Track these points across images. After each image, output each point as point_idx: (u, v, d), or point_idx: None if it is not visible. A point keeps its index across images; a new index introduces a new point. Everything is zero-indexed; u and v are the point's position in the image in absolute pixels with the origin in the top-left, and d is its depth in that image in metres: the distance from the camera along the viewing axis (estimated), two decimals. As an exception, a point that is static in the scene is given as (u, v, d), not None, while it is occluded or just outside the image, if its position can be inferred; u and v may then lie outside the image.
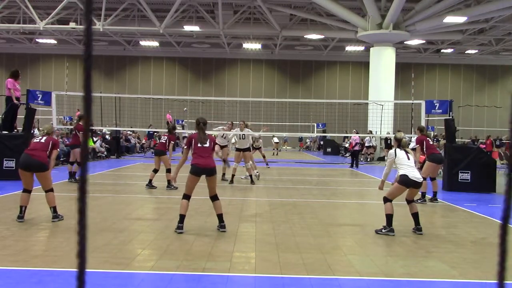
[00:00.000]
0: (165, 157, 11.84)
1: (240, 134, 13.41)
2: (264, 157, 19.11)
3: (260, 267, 5.10)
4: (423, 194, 10.53)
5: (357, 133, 22.77)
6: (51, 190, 7.48)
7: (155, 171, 11.80)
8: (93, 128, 22.19)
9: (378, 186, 7.78)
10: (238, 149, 13.28)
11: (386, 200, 7.16)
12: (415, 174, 7.08)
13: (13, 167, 12.34)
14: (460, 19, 24.10)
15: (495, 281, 1.01)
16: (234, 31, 29.98)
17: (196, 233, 6.71)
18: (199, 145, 6.96)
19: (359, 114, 30.02)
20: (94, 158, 21.29)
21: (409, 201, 7.31)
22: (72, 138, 14.32)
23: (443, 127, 16.02)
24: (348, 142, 27.22)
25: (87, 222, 0.96)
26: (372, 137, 24.30)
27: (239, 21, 29.07)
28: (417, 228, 7.21)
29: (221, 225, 6.96)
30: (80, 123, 13.16)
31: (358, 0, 24.66)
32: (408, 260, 5.60)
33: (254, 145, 16.38)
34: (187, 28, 28.40)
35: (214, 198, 7.00)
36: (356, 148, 21.30)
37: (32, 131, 14.17)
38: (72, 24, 27.63)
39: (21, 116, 14.19)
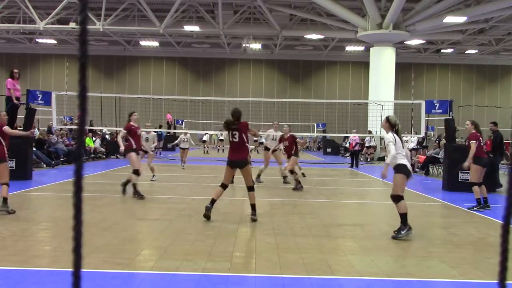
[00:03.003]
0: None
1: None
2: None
3: (260, 267, 5.10)
4: (480, 200, 9.52)
5: (356, 133, 22.79)
6: (6, 184, 7.80)
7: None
8: (93, 128, 22.22)
9: (382, 172, 7.00)
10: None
11: (397, 198, 6.63)
12: (409, 165, 6.92)
13: (13, 167, 12.35)
14: (460, 19, 24.10)
15: (495, 281, 1.01)
16: (234, 31, 29.97)
17: (196, 233, 6.71)
18: (230, 139, 7.75)
19: (359, 114, 30.01)
20: (95, 158, 21.29)
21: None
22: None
23: (443, 127, 16.04)
24: (348, 142, 27.23)
25: (82, 217, 0.96)
26: (372, 137, 24.30)
27: (239, 21, 29.06)
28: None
29: (252, 213, 7.61)
30: (131, 123, 10.30)
31: (358, 0, 24.66)
32: (408, 260, 5.60)
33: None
34: (187, 28, 28.40)
35: (248, 189, 7.69)
36: (356, 148, 21.33)
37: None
38: (72, 24, 27.63)
39: (21, 116, 14.19)
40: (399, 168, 6.66)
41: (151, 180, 12.94)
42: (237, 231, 6.96)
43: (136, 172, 9.77)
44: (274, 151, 13.60)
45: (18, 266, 4.91)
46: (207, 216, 7.44)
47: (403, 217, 6.63)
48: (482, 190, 9.56)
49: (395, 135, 6.80)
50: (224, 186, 7.71)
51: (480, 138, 9.64)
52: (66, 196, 9.99)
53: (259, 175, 13.34)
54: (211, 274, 4.81)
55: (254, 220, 7.50)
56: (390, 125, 6.90)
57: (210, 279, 4.69)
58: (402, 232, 6.61)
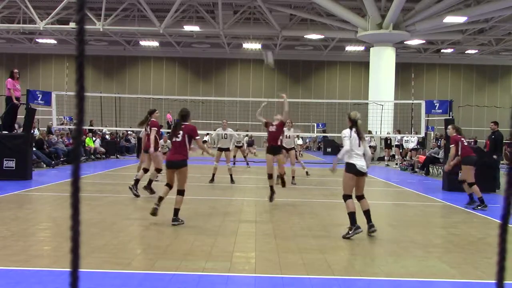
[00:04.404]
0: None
1: (222, 134, 13.58)
2: (245, 156, 19.63)
3: (260, 267, 5.10)
4: (483, 198, 9.55)
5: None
6: None
7: None
8: (93, 128, 22.21)
9: (331, 168, 7.13)
10: (220, 149, 13.45)
11: (345, 197, 6.73)
12: (362, 164, 6.69)
13: (13, 167, 12.36)
14: (460, 19, 24.10)
15: (495, 281, 1.01)
16: (234, 31, 29.97)
17: (196, 233, 6.71)
18: (173, 139, 7.51)
19: (359, 114, 29.97)
20: (95, 158, 21.28)
21: (360, 197, 6.84)
22: (145, 139, 10.47)
23: (443, 127, 16.04)
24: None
25: (79, 217, 0.96)
26: (372, 137, 24.30)
27: (239, 21, 29.06)
28: (370, 226, 6.74)
29: (173, 219, 7.21)
30: (153, 119, 10.32)
31: (358, 0, 24.66)
32: (408, 260, 5.60)
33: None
34: (187, 28, 28.40)
35: (178, 192, 7.28)
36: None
37: (32, 131, 14.18)
38: (72, 24, 27.62)
39: (21, 116, 14.20)
40: (346, 167, 6.73)
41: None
42: (237, 231, 6.96)
43: (159, 171, 10.21)
44: (288, 150, 13.61)
45: (18, 266, 4.91)
46: (154, 214, 7.28)
47: (350, 216, 6.62)
48: (467, 188, 9.80)
49: (352, 131, 6.78)
50: (169, 186, 7.41)
51: (462, 139, 9.90)
52: (66, 196, 9.99)
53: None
54: (211, 274, 4.82)
55: (174, 225, 7.12)
56: (350, 120, 6.91)
57: (210, 279, 4.69)
58: (350, 232, 6.59)
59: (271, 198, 9.41)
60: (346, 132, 6.80)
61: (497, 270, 0.94)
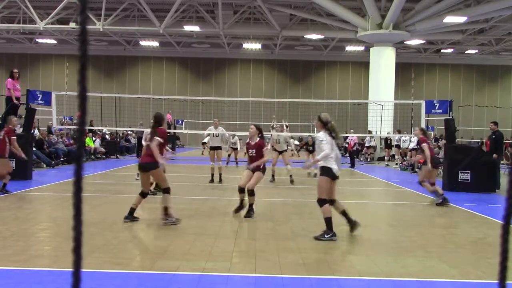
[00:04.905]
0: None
1: (213, 133, 13.64)
2: (235, 156, 19.73)
3: (260, 267, 5.10)
4: (441, 196, 10.14)
5: (353, 133, 22.84)
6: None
7: None
8: (93, 128, 22.22)
9: (307, 165, 7.10)
10: (212, 148, 13.49)
11: (322, 202, 6.46)
12: (336, 167, 6.53)
13: (13, 167, 12.33)
14: (460, 19, 24.09)
15: (495, 281, 1.02)
16: (234, 31, 29.97)
17: (196, 233, 6.71)
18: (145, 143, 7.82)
19: (359, 114, 30.01)
20: (95, 158, 21.29)
21: (332, 202, 6.61)
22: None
23: (443, 127, 16.03)
24: (346, 142, 27.24)
25: (82, 217, 0.96)
26: (372, 137, 24.30)
27: (239, 21, 29.06)
28: (354, 223, 6.68)
29: (165, 217, 7.22)
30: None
31: (358, 0, 24.66)
32: (408, 260, 5.60)
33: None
34: (187, 28, 28.40)
35: (162, 191, 7.33)
36: (354, 148, 21.52)
37: (32, 131, 14.17)
38: (72, 24, 27.62)
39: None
40: (323, 171, 6.49)
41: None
42: (237, 231, 6.96)
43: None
44: (281, 152, 13.96)
45: (19, 266, 4.91)
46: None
47: (327, 221, 6.43)
48: (429, 187, 10.29)
49: (327, 134, 6.52)
50: (142, 194, 7.34)
51: (429, 142, 10.36)
52: (66, 196, 9.99)
53: (273, 175, 13.91)
54: (211, 274, 4.82)
55: (165, 224, 7.11)
56: (322, 123, 6.58)
57: (210, 279, 4.69)
58: (326, 236, 6.42)
59: (247, 213, 8.10)
60: (322, 135, 6.49)
61: (499, 270, 0.94)
